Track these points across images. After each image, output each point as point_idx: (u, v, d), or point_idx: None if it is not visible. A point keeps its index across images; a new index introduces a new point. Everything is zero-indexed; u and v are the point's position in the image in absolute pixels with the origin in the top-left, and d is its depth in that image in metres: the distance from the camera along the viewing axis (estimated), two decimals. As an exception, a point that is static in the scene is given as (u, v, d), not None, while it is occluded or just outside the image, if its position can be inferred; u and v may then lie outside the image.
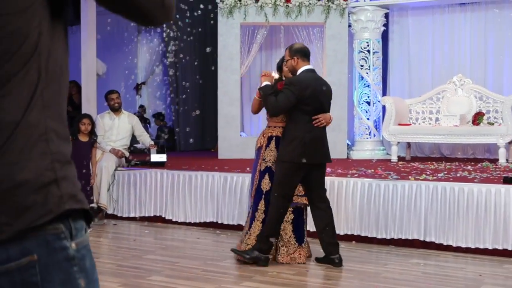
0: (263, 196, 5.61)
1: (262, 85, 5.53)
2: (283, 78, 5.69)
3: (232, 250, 5.68)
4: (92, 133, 7.77)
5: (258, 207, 5.63)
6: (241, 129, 11.05)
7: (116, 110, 8.55)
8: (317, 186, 5.54)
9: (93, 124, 7.79)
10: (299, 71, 5.51)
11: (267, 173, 5.62)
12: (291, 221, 5.66)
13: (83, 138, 7.65)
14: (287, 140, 5.42)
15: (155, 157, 8.35)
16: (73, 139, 7.40)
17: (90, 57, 9.41)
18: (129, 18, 1.38)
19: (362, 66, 10.22)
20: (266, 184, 5.62)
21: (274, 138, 5.67)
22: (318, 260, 5.61)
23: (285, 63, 5.63)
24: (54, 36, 1.29)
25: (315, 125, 5.42)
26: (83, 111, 8.79)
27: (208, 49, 9.10)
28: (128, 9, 1.34)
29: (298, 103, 5.35)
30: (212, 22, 10.18)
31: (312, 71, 5.58)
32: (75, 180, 1.32)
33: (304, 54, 5.56)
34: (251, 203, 5.73)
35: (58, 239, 1.24)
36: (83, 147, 7.58)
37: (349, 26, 10.32)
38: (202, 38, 12.45)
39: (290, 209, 5.60)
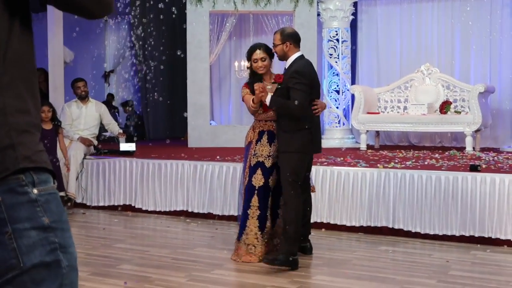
0: (256, 192, 5.32)
1: (268, 100, 5.08)
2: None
3: (264, 261, 5.10)
4: (54, 120, 7.63)
5: (251, 204, 5.33)
6: (210, 117, 11.03)
7: (83, 98, 8.45)
8: (305, 177, 5.36)
9: (54, 111, 7.63)
10: (291, 58, 5.22)
11: (259, 168, 5.35)
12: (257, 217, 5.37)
13: (46, 126, 7.47)
14: (291, 130, 5.11)
15: (124, 146, 8.29)
16: None
17: (57, 45, 9.29)
18: (72, 13, 1.62)
19: (331, 55, 10.25)
20: (258, 180, 5.33)
21: (266, 133, 5.40)
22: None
23: (273, 47, 5.30)
24: (12, 32, 1.53)
25: (315, 113, 5.21)
26: (50, 100, 8.66)
27: (179, 52, 9.05)
28: (69, 6, 1.60)
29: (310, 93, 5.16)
30: (178, 8, 10.10)
31: (303, 57, 5.30)
32: (34, 145, 1.58)
33: (296, 40, 5.27)
34: (243, 201, 5.45)
35: (19, 186, 1.53)
36: (47, 135, 7.42)
37: (318, 14, 10.33)
38: (170, 26, 12.36)
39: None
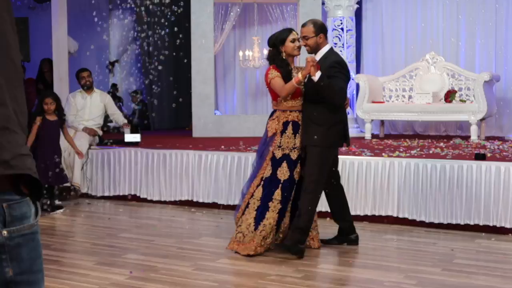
0: (280, 186, 5.16)
1: (317, 76, 4.90)
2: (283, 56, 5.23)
3: (281, 245, 5.21)
4: (58, 111, 7.52)
5: (274, 197, 5.15)
6: (215, 107, 11.03)
7: (87, 88, 8.45)
8: (336, 171, 5.46)
9: (57, 102, 7.53)
10: (323, 50, 5.19)
11: (284, 161, 5.18)
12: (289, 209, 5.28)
13: (50, 117, 7.41)
14: (326, 125, 5.06)
15: (129, 137, 8.28)
16: (42, 118, 7.25)
17: (61, 35, 9.27)
18: None
19: (335, 44, 10.22)
20: (283, 173, 5.17)
21: (290, 123, 5.22)
22: (328, 241, 5.53)
23: (304, 40, 5.19)
24: None
25: (346, 106, 5.26)
26: (55, 90, 8.65)
27: (183, 41, 9.07)
28: None
29: None
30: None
31: (333, 50, 5.30)
32: (15, 147, 1.27)
33: (326, 31, 5.29)
34: (252, 191, 5.24)
35: None
36: (51, 126, 7.36)
37: (323, 4, 10.30)
38: (175, 16, 12.34)
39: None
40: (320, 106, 5.09)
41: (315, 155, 5.10)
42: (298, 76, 5.03)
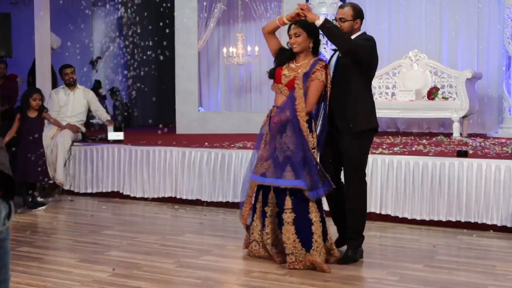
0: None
1: (321, 19, 4.53)
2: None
3: (342, 263, 4.76)
4: (42, 108, 7.49)
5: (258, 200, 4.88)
6: (199, 104, 11.01)
7: (70, 85, 8.41)
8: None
9: (43, 98, 7.50)
10: (356, 35, 4.85)
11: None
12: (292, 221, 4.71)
13: (33, 114, 7.36)
14: (366, 106, 4.95)
15: (112, 135, 8.24)
16: (22, 114, 7.22)
17: (44, 31, 9.21)
18: None
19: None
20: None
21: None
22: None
23: (339, 22, 4.82)
24: None
25: None
26: (38, 86, 8.59)
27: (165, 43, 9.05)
28: None
29: (372, 68, 5.03)
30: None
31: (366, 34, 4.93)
32: None
33: (363, 18, 4.94)
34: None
35: None
36: (32, 123, 7.31)
37: (307, 0, 10.30)
38: (158, 12, 12.30)
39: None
40: (357, 90, 4.91)
41: (359, 144, 4.86)
42: (282, 17, 4.70)
